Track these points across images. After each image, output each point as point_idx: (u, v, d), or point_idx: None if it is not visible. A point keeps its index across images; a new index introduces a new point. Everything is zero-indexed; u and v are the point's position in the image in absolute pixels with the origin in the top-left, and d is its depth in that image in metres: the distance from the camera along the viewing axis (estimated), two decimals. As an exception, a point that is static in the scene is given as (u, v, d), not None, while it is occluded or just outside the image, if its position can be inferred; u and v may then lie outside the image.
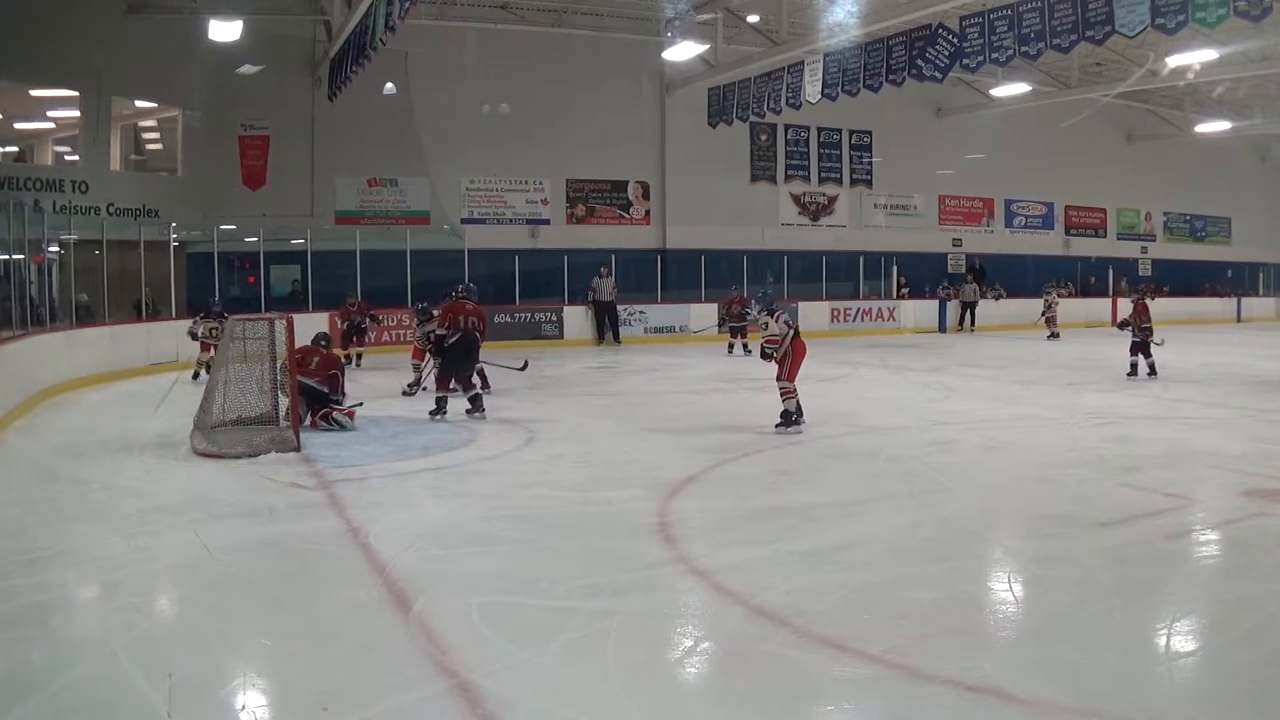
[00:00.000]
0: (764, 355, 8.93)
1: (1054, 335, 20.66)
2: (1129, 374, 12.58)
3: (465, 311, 9.67)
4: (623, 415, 9.94)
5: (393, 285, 18.25)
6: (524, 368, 12.01)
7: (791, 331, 8.81)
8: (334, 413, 8.84)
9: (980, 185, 25.86)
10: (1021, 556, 5.14)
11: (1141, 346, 12.62)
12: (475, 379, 9.99)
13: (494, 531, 5.43)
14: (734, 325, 16.94)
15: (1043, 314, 21.22)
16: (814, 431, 8.61)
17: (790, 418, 8.66)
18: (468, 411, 9.45)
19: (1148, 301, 12.96)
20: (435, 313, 10.43)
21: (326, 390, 8.99)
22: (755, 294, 10.62)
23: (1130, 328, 12.70)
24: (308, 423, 8.51)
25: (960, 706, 3.22)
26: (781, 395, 8.75)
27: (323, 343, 9.54)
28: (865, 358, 16.28)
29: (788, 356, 8.72)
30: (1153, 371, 12.57)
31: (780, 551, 4.94)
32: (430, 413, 9.44)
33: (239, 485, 6.52)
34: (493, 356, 11.53)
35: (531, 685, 3.37)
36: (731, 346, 16.87)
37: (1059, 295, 22.22)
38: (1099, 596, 4.29)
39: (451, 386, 9.60)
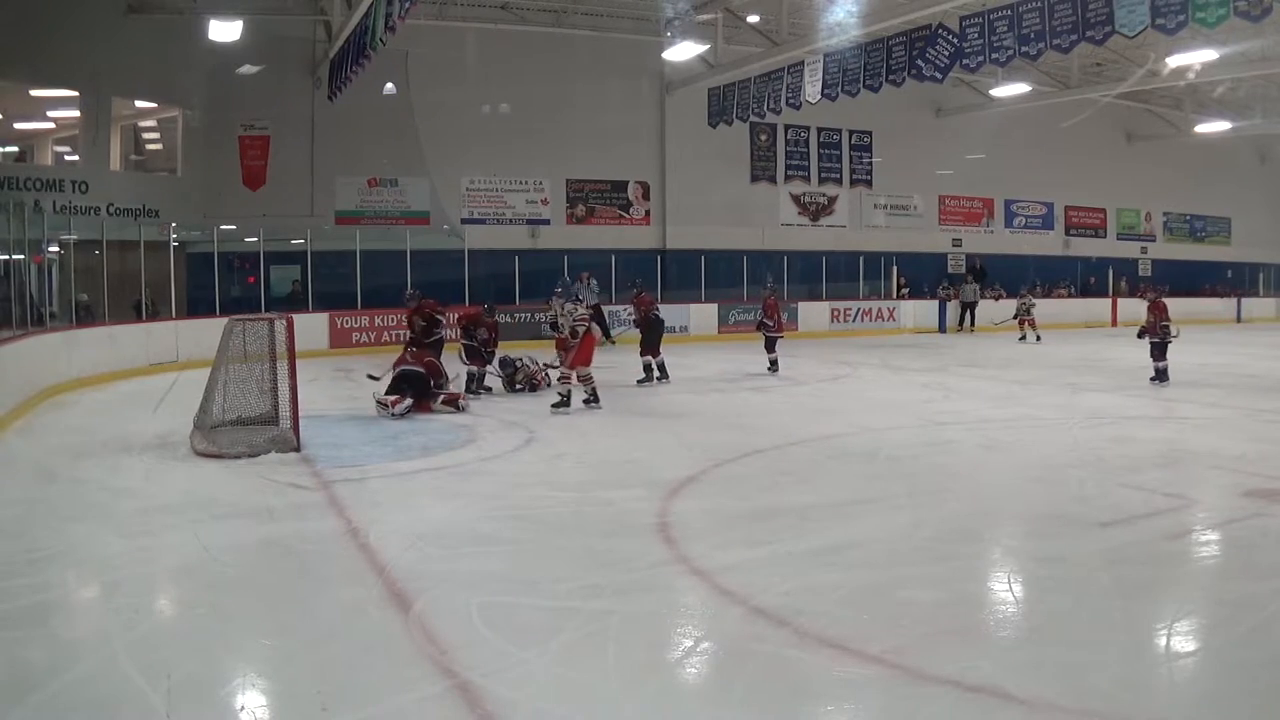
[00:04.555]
0: (573, 334, 10.00)
1: (1025, 338, 20.06)
2: (1154, 379, 11.77)
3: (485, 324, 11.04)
4: (622, 415, 9.93)
5: (393, 286, 18.24)
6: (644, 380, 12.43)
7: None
8: (459, 398, 10.06)
9: (980, 185, 25.87)
10: (1021, 557, 5.14)
11: (1159, 349, 11.84)
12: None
13: (494, 532, 5.43)
14: (768, 336, 13.96)
15: (1016, 315, 20.59)
16: (813, 432, 8.62)
17: (564, 399, 9.74)
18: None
19: (1163, 300, 12.12)
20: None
21: (425, 373, 9.89)
22: (559, 283, 11.32)
23: (1149, 331, 11.95)
24: (400, 409, 9.53)
25: (960, 707, 3.22)
26: (560, 381, 9.93)
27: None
28: (865, 358, 16.27)
29: (579, 343, 9.85)
30: (1162, 376, 11.81)
31: (780, 552, 4.94)
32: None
33: (239, 485, 6.51)
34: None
35: (531, 685, 3.37)
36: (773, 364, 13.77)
37: (1035, 297, 21.53)
38: (1098, 597, 4.29)
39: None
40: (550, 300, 13.03)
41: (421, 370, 10.04)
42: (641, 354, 12.47)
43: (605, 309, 19.46)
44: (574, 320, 10.07)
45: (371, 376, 10.55)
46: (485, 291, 18.10)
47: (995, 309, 23.14)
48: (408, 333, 11.92)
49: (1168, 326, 11.87)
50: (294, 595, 4.41)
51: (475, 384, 11.27)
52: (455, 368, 11.09)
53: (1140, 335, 12.28)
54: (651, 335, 12.48)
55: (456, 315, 12.89)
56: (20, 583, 4.49)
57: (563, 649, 3.67)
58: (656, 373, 12.35)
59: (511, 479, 6.82)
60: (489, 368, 11.55)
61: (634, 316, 12.80)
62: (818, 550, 4.98)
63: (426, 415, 9.71)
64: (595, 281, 19.37)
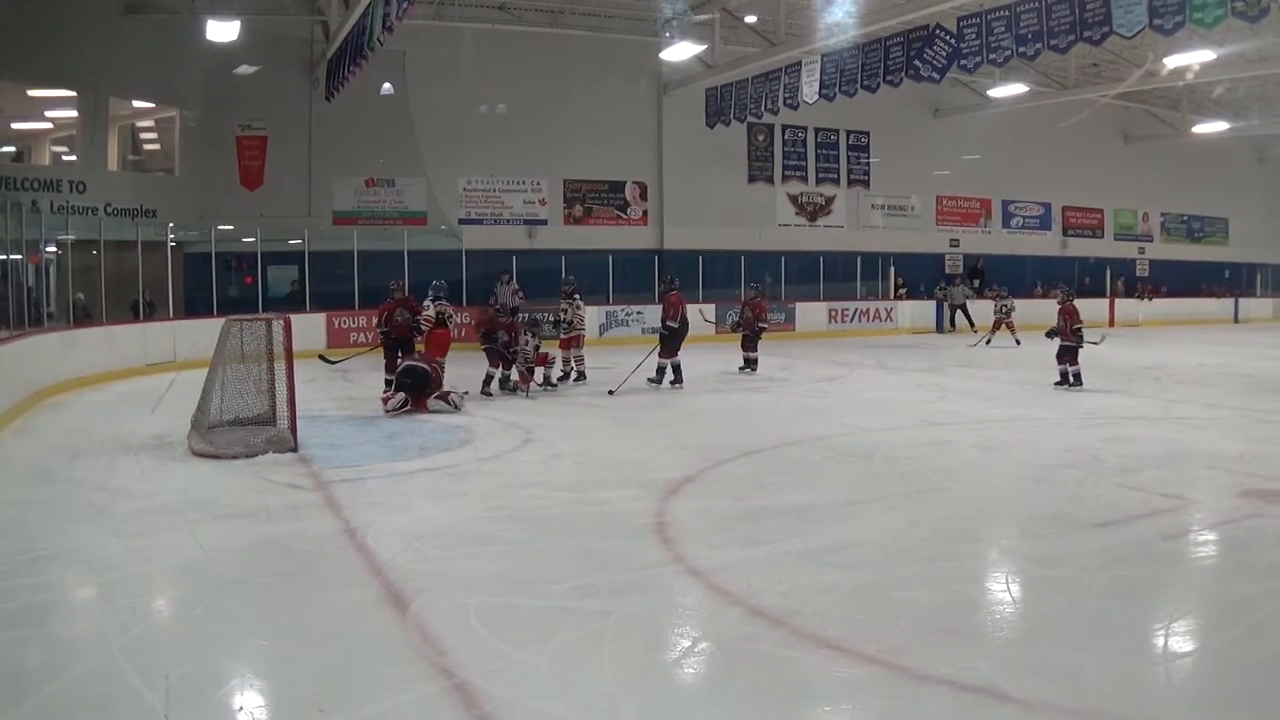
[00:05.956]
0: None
1: (989, 341, 19.22)
2: (1058, 383, 11.84)
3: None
4: (619, 416, 9.93)
5: (390, 286, 18.26)
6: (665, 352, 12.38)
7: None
8: (451, 394, 10.01)
9: (977, 186, 25.88)
10: (1018, 557, 5.15)
11: (1071, 352, 11.81)
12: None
13: (491, 532, 5.43)
14: (745, 334, 14.17)
15: (1001, 321, 19.40)
16: (810, 432, 8.63)
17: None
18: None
19: (1074, 304, 12.06)
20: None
21: (428, 369, 9.99)
22: (431, 284, 11.55)
23: (1060, 334, 11.88)
24: (393, 405, 9.77)
25: (956, 707, 3.22)
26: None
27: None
28: (862, 358, 16.29)
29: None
30: (1078, 380, 11.73)
31: (777, 552, 4.94)
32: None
33: (236, 486, 6.51)
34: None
35: (528, 685, 3.37)
36: (746, 363, 14.01)
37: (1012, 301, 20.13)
38: (1095, 597, 4.30)
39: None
40: (559, 300, 13.06)
41: (425, 367, 10.10)
42: (660, 356, 12.17)
43: (606, 309, 19.56)
44: (421, 320, 11.17)
45: (325, 360, 10.72)
46: (483, 291, 18.13)
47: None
48: (383, 327, 11.44)
49: (1080, 330, 11.85)
50: (291, 595, 4.41)
51: (507, 385, 11.35)
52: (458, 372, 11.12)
53: (1050, 335, 12.29)
54: (674, 339, 12.29)
55: (474, 323, 13.01)
56: (17, 583, 4.48)
57: (560, 649, 3.67)
58: (670, 375, 12.17)
59: (508, 479, 6.82)
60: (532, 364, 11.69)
61: (665, 319, 12.29)
62: (814, 550, 4.98)
63: (423, 415, 9.70)
64: (514, 283, 18.99)
